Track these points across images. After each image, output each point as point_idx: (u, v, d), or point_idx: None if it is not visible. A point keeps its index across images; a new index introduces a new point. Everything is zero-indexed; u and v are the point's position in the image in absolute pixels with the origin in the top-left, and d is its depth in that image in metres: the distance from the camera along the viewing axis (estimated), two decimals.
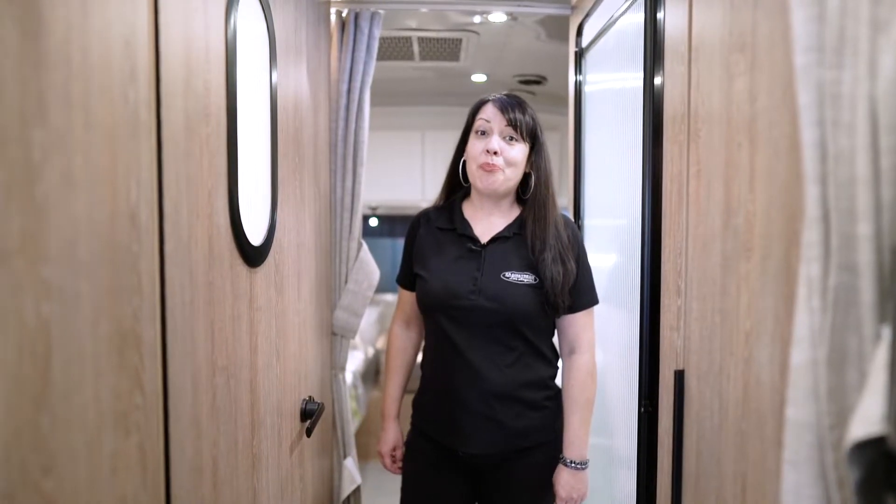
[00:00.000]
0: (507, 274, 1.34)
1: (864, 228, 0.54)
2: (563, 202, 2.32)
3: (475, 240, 1.40)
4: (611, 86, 1.62)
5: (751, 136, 0.80)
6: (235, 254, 1.03)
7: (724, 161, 0.88)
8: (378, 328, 5.05)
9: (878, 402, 0.52)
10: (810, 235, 0.58)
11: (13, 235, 0.49)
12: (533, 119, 1.38)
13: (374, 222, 5.56)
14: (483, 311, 1.32)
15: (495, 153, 1.34)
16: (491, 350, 1.33)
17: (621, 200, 1.49)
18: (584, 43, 1.85)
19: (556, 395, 1.41)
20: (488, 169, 1.35)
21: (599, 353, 1.63)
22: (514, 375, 1.34)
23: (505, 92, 1.43)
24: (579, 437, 1.37)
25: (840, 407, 0.58)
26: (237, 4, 1.01)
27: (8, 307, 0.48)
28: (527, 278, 1.33)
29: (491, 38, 2.55)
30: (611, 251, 1.61)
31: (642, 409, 1.22)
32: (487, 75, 3.13)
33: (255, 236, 1.13)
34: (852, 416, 0.54)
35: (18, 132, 0.49)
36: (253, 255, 1.11)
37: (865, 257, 0.55)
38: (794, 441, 0.61)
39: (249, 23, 1.11)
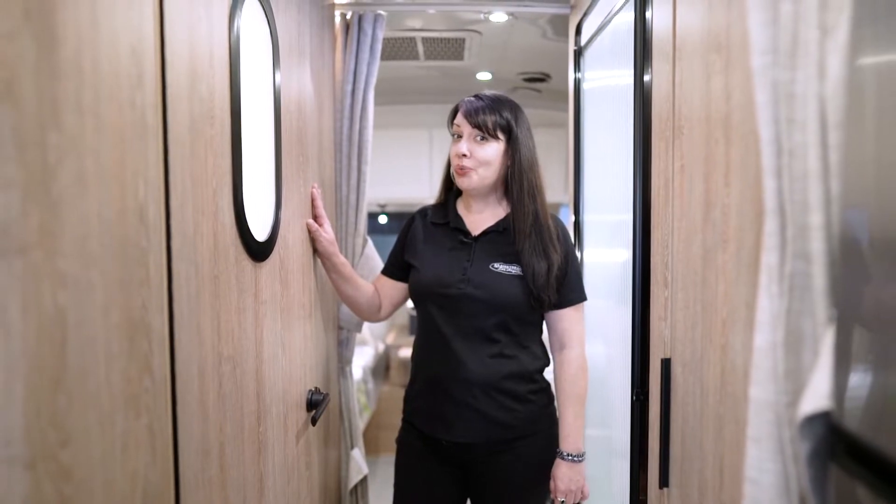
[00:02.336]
0: (496, 265, 1.40)
1: (816, 219, 0.58)
2: (564, 198, 2.35)
3: (466, 233, 1.46)
4: (607, 83, 1.65)
5: (726, 132, 0.84)
6: (240, 249, 1.08)
7: (704, 156, 0.92)
8: (388, 324, 5.10)
9: (825, 380, 0.56)
10: (769, 226, 0.62)
11: (32, 230, 0.54)
12: (506, 117, 1.42)
13: (383, 219, 5.61)
14: (471, 299, 1.38)
15: (464, 156, 1.41)
16: (475, 341, 1.38)
17: (618, 196, 1.53)
18: (583, 41, 1.88)
19: (544, 390, 1.45)
20: (460, 171, 1.43)
21: (598, 346, 1.67)
22: (496, 367, 1.38)
23: (487, 91, 1.47)
24: (574, 430, 1.42)
25: (796, 386, 0.61)
26: (240, 11, 1.06)
27: (28, 296, 0.54)
28: (514, 269, 1.39)
29: (493, 38, 2.58)
30: (609, 246, 1.64)
31: (634, 398, 1.26)
32: (492, 73, 3.17)
33: (260, 232, 1.19)
34: (803, 393, 0.58)
35: (36, 137, 0.54)
36: (258, 251, 1.16)
37: (818, 246, 0.59)
38: (756, 419, 0.65)
39: (252, 28, 1.16)
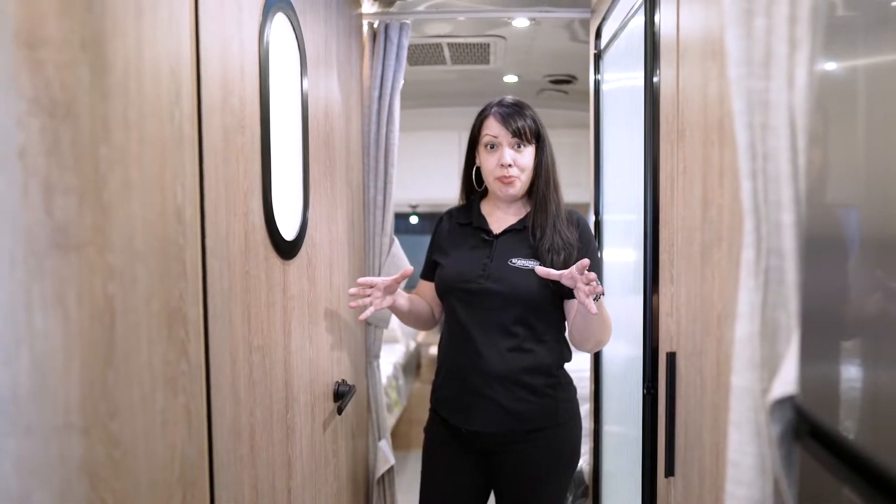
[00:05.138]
0: (514, 260, 1.46)
1: (788, 217, 0.63)
2: (586, 198, 2.39)
3: (489, 231, 1.52)
4: (624, 85, 1.69)
5: (720, 135, 0.88)
6: (269, 247, 1.17)
7: (702, 158, 0.96)
8: None
9: (793, 367, 0.60)
10: (746, 224, 0.67)
11: (86, 230, 0.63)
12: (534, 120, 1.49)
13: (414, 220, 5.70)
14: (490, 293, 1.44)
15: (510, 165, 1.45)
16: (495, 334, 1.44)
17: (634, 196, 1.56)
18: (602, 45, 1.92)
19: (562, 385, 1.50)
20: (507, 181, 1.47)
21: (615, 343, 1.70)
22: (513, 360, 1.44)
23: (508, 98, 1.52)
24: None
25: (771, 374, 0.66)
26: (269, 28, 1.15)
27: (83, 286, 0.62)
28: (531, 264, 1.45)
29: (518, 42, 2.64)
30: (626, 245, 1.68)
31: (645, 391, 1.30)
32: (518, 76, 3.21)
33: (288, 232, 1.27)
34: (774, 380, 0.62)
35: (90, 149, 0.63)
36: (286, 249, 1.24)
37: (789, 243, 0.63)
38: (737, 405, 0.69)
39: (281, 42, 1.25)
